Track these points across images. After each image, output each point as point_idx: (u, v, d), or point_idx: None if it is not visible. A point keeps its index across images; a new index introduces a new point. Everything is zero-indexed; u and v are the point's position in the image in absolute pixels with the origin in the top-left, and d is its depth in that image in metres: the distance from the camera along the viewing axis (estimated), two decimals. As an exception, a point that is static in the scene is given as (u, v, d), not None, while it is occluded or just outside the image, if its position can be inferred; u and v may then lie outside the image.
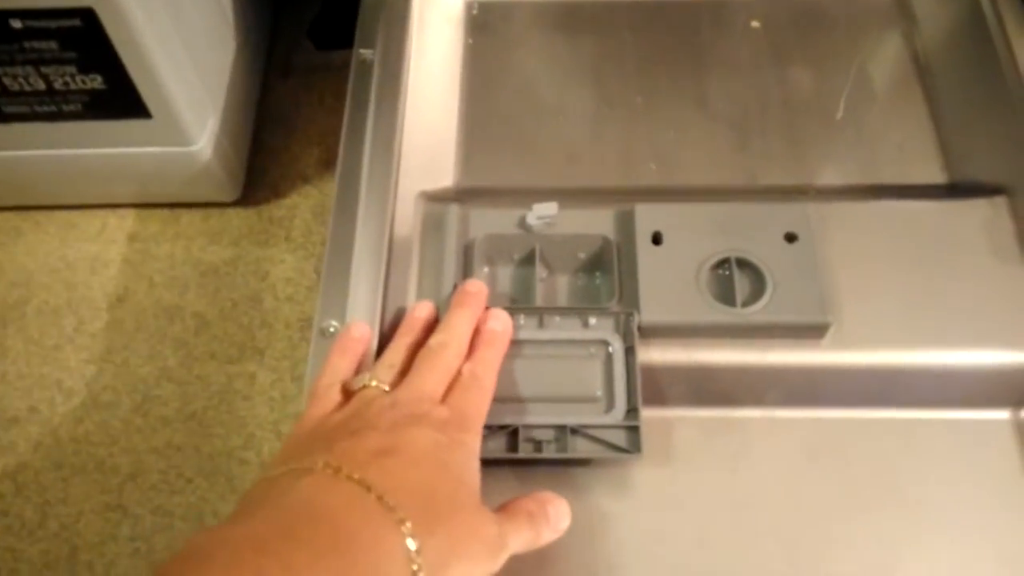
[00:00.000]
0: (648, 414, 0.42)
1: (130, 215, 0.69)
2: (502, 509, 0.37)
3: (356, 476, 0.32)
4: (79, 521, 0.56)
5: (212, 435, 0.59)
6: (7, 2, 0.51)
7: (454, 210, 0.47)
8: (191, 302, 0.65)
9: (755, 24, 0.57)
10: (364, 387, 0.39)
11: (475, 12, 0.59)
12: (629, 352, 0.43)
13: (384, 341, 0.44)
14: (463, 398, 0.39)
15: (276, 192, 0.70)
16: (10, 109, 0.58)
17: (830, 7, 0.58)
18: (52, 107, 0.59)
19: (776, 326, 0.43)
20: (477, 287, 0.43)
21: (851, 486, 0.43)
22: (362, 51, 0.55)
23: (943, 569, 0.40)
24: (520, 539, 0.36)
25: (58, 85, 0.57)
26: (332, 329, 0.45)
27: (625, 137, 0.54)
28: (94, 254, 0.67)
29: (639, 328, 0.43)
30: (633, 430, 0.41)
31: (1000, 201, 0.48)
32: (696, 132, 0.54)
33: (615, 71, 0.56)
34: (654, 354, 0.44)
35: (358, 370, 0.42)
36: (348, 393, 0.40)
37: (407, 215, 0.48)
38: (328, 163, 0.72)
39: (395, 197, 0.48)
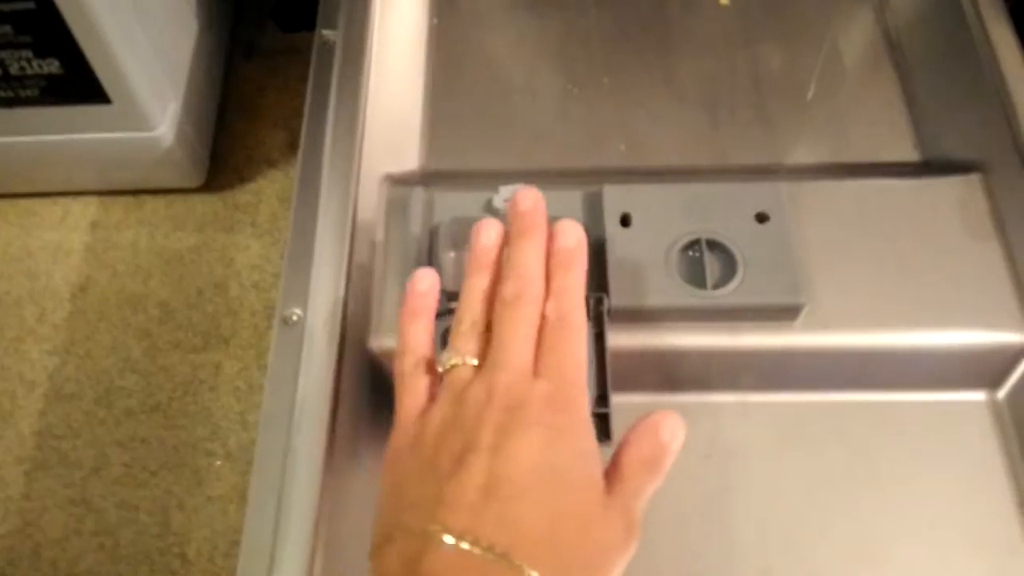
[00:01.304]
0: (619, 399, 0.40)
1: (93, 202, 0.66)
2: (615, 469, 0.33)
3: (473, 539, 0.29)
4: (42, 516, 0.54)
5: (177, 427, 0.56)
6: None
7: (418, 193, 0.45)
8: (155, 290, 0.62)
9: (724, 2, 0.55)
10: (454, 367, 0.35)
11: (438, -8, 0.56)
12: (599, 338, 0.40)
13: (350, 323, 0.41)
14: (556, 353, 0.34)
15: (241, 177, 0.67)
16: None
17: (799, -15, 0.56)
18: (8, 92, 0.56)
19: (748, 308, 0.41)
20: (531, 201, 0.37)
21: (827, 470, 0.41)
22: (324, 32, 0.52)
23: (920, 552, 0.39)
24: (645, 498, 0.32)
25: (14, 70, 0.54)
26: (295, 317, 0.42)
27: (593, 117, 0.51)
28: (56, 243, 0.64)
29: (608, 312, 0.41)
30: (603, 418, 0.39)
31: (974, 179, 0.46)
32: (665, 112, 0.51)
33: (582, 50, 0.54)
34: (624, 338, 0.41)
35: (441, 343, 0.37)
36: (436, 372, 0.36)
37: (371, 199, 0.46)
38: (294, 147, 0.68)
39: (358, 181, 0.45)
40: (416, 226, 0.44)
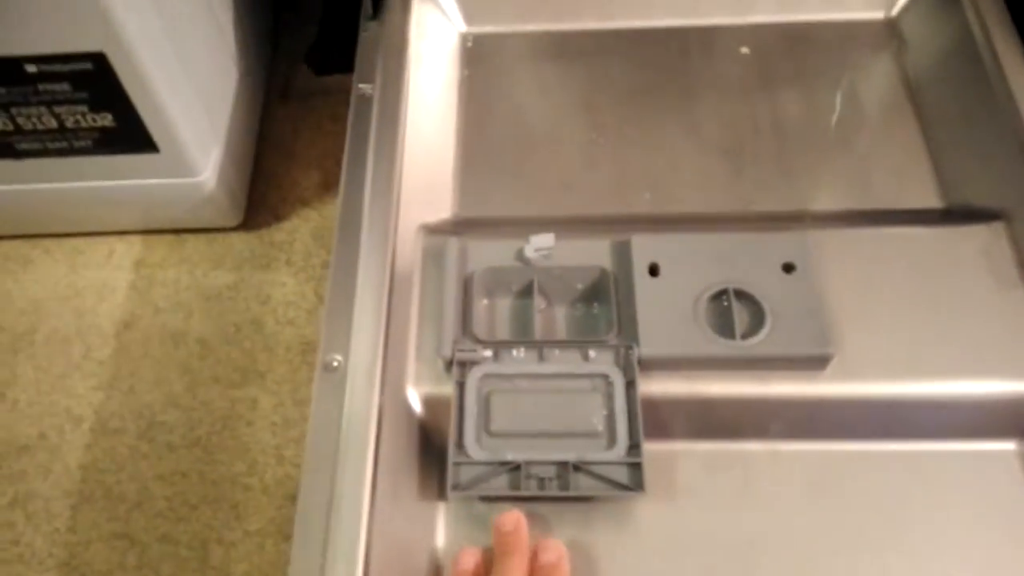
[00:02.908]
0: (650, 448, 0.39)
1: (136, 241, 0.66)
2: None
3: None
4: (88, 550, 0.53)
5: (216, 461, 0.56)
6: (23, 48, 0.48)
7: (453, 243, 0.44)
8: (195, 327, 0.62)
9: (744, 50, 0.54)
10: None
11: (470, 44, 0.56)
12: (630, 386, 0.40)
13: (389, 370, 0.41)
14: None
15: (277, 216, 0.67)
16: (23, 146, 0.56)
17: (818, 31, 0.55)
18: (64, 143, 0.56)
19: (777, 358, 0.40)
20: (513, 522, 0.38)
21: (857, 520, 0.40)
22: (361, 85, 0.52)
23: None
24: None
25: (70, 123, 0.54)
26: (336, 363, 0.42)
27: (618, 165, 0.50)
28: (102, 281, 0.64)
29: (639, 361, 0.40)
30: (635, 467, 0.38)
31: (998, 227, 0.45)
32: (689, 159, 0.51)
33: (606, 99, 0.53)
34: (655, 386, 0.41)
35: None
36: None
37: (407, 248, 0.45)
38: (327, 186, 0.69)
39: (396, 231, 0.45)
40: (452, 275, 0.43)
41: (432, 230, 0.47)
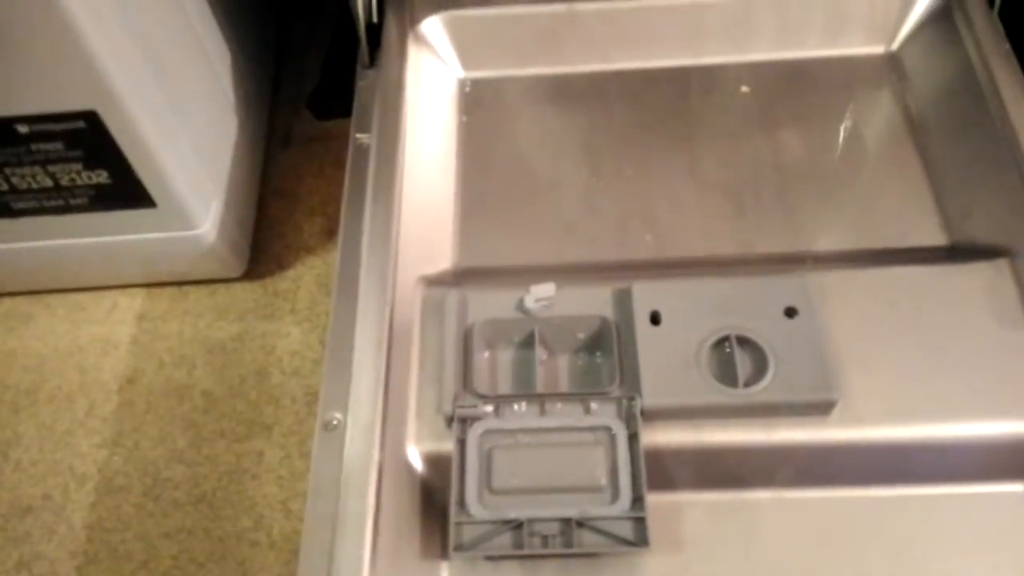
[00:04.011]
0: (655, 499, 0.40)
1: (139, 294, 0.68)
2: None
3: None
4: (94, 612, 0.55)
5: (222, 517, 0.58)
6: (13, 109, 0.51)
7: (452, 296, 0.46)
8: (199, 380, 0.63)
9: (745, 89, 0.56)
10: None
11: (468, 90, 0.58)
12: (633, 438, 0.41)
13: (389, 428, 0.42)
14: None
15: (280, 264, 0.69)
16: (19, 205, 0.58)
17: (819, 68, 0.57)
18: (60, 201, 0.58)
19: (781, 405, 0.41)
20: None
21: (865, 566, 0.40)
22: (359, 135, 0.54)
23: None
24: None
25: (65, 181, 0.56)
26: (335, 422, 0.43)
27: (619, 209, 0.52)
28: (104, 336, 0.66)
29: (641, 412, 0.41)
30: (640, 521, 0.39)
31: (1002, 264, 0.46)
32: (690, 201, 0.52)
33: (607, 142, 0.55)
34: (658, 436, 0.42)
35: None
36: None
37: (407, 302, 0.47)
38: (331, 233, 0.71)
39: (395, 285, 0.46)
40: (452, 328, 0.45)
41: (431, 282, 0.48)
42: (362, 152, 0.53)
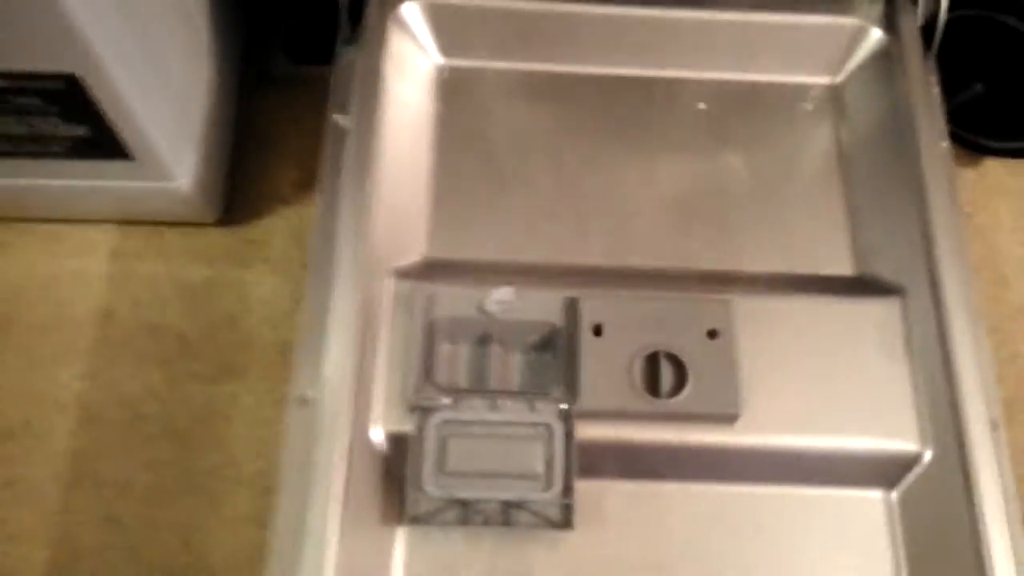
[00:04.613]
0: (583, 484, 0.49)
1: (113, 231, 0.72)
2: None
3: None
4: (78, 530, 0.62)
5: (195, 453, 0.65)
6: (-11, 64, 0.53)
7: (420, 293, 0.53)
8: (173, 321, 0.69)
9: (702, 106, 0.62)
10: None
11: (445, 76, 0.63)
12: (568, 436, 0.49)
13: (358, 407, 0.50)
14: None
15: (254, 212, 0.74)
16: (-2, 138, 0.61)
17: (771, 93, 0.63)
18: (36, 147, 0.61)
19: (694, 415, 0.50)
20: None
21: (749, 550, 0.51)
22: (336, 117, 0.58)
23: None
24: None
25: (42, 131, 0.59)
26: (308, 397, 0.51)
27: (578, 213, 0.59)
28: (80, 269, 0.71)
29: (578, 412, 0.50)
30: (567, 507, 0.48)
31: (894, 302, 0.54)
32: (642, 213, 0.59)
33: (572, 145, 0.61)
34: (590, 432, 0.50)
35: None
36: None
37: (378, 292, 0.53)
38: (305, 185, 0.76)
39: (368, 274, 0.53)
40: (418, 323, 0.52)
41: (402, 274, 0.55)
42: (339, 135, 0.58)
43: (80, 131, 0.59)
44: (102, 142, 0.60)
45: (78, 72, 0.54)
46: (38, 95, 0.56)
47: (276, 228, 0.73)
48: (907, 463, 0.51)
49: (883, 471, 0.52)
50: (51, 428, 0.65)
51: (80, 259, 0.71)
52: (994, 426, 0.51)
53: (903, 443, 0.51)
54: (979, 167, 0.81)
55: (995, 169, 0.81)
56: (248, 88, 0.78)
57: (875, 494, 0.52)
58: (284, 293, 0.71)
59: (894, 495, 0.52)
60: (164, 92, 0.61)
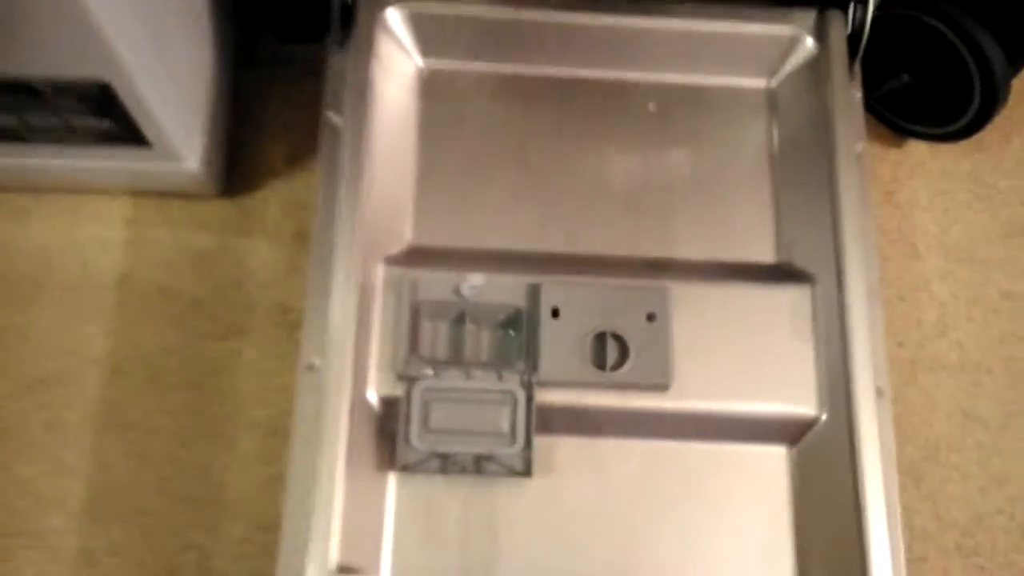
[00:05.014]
0: (540, 440, 0.60)
1: (126, 201, 0.81)
2: None
3: None
4: (112, 467, 0.73)
5: (210, 401, 0.75)
6: (37, 71, 0.60)
7: (406, 279, 0.62)
8: (184, 284, 0.78)
9: (652, 107, 0.71)
10: None
11: (426, 77, 0.71)
12: (529, 401, 0.60)
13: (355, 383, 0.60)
14: None
15: (249, 184, 0.82)
16: (30, 136, 0.68)
17: (713, 95, 0.72)
18: (67, 135, 0.69)
19: (633, 384, 0.61)
20: None
21: (676, 494, 0.62)
22: (331, 115, 0.66)
23: (723, 558, 0.61)
24: None
25: (74, 124, 0.67)
26: (314, 365, 0.61)
27: (542, 205, 0.68)
28: (100, 236, 0.79)
29: (537, 381, 0.60)
30: (527, 459, 0.59)
31: (805, 289, 0.65)
32: (596, 204, 0.68)
33: (538, 141, 0.70)
34: (547, 397, 0.61)
35: None
36: None
37: (371, 277, 0.63)
38: (293, 160, 0.84)
39: (363, 261, 0.62)
40: (404, 305, 0.62)
41: (391, 261, 0.64)
42: (333, 132, 0.66)
43: (106, 124, 0.67)
44: (124, 133, 0.68)
45: (109, 79, 0.61)
46: (74, 96, 0.63)
47: (270, 200, 0.82)
48: (807, 424, 0.63)
49: (787, 430, 0.63)
50: (83, 378, 0.75)
51: (99, 227, 0.80)
52: (880, 394, 0.62)
53: (804, 408, 0.62)
54: (903, 148, 0.91)
55: (917, 149, 0.91)
56: (238, 68, 0.84)
57: (780, 449, 0.64)
58: (280, 259, 0.80)
59: (795, 450, 0.63)
60: (177, 86, 0.69)
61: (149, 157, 0.72)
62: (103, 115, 0.65)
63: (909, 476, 0.76)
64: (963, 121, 0.83)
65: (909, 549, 0.61)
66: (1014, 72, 0.79)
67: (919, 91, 0.84)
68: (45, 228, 0.79)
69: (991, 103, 0.79)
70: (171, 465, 0.73)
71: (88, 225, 0.80)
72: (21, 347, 0.76)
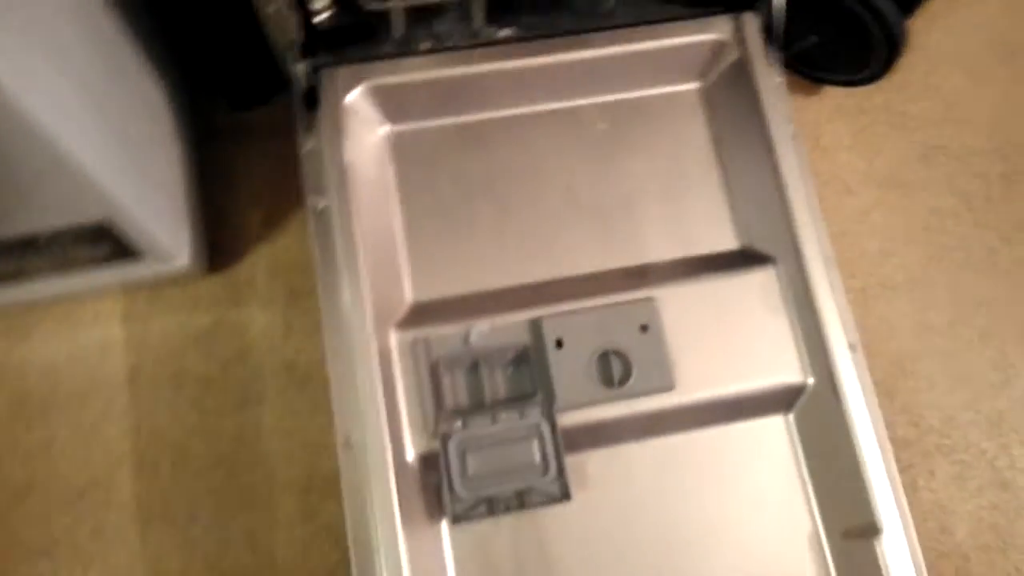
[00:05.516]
0: (568, 459, 0.65)
1: (118, 297, 0.81)
2: None
3: None
4: (160, 561, 0.75)
5: (241, 472, 0.77)
6: (38, 226, 0.60)
7: (420, 342, 0.65)
8: (193, 366, 0.80)
9: (602, 126, 0.73)
10: None
11: (393, 140, 0.72)
12: (553, 431, 0.64)
13: (392, 438, 0.63)
14: None
15: (234, 255, 0.83)
16: (28, 274, 0.68)
17: (654, 102, 0.75)
18: (64, 266, 0.69)
19: (640, 393, 0.65)
20: None
21: (695, 479, 0.68)
22: (314, 198, 0.68)
23: (750, 523, 0.67)
24: None
25: (70, 256, 0.67)
26: (351, 440, 0.63)
27: (521, 239, 0.71)
28: (100, 338, 0.80)
29: (556, 408, 0.64)
30: (563, 484, 0.63)
31: (771, 270, 0.70)
32: (570, 226, 0.71)
33: (506, 179, 0.72)
34: (566, 420, 0.65)
35: None
36: None
37: (386, 345, 0.65)
38: (271, 222, 0.85)
39: (375, 333, 0.64)
40: (423, 366, 0.65)
41: (401, 325, 0.67)
42: (322, 216, 0.67)
43: (102, 250, 0.67)
44: (119, 252, 0.68)
45: (107, 217, 0.62)
46: (71, 236, 0.64)
47: (257, 265, 0.83)
48: (797, 391, 0.68)
49: (781, 400, 0.68)
50: (114, 479, 0.76)
51: (97, 329, 0.80)
52: (852, 348, 0.68)
53: (792, 377, 0.68)
54: (820, 94, 0.96)
55: (834, 93, 0.96)
56: (200, 142, 0.84)
57: (777, 419, 0.69)
58: (277, 321, 0.81)
59: (791, 416, 0.69)
60: (160, 195, 0.69)
61: (142, 265, 0.73)
62: (99, 243, 0.66)
63: (882, 392, 0.82)
64: (872, 68, 0.88)
65: (896, 460, 0.67)
66: (908, 15, 0.83)
67: (828, 47, 0.88)
68: (46, 342, 0.79)
69: (893, 50, 0.84)
70: (218, 544, 0.76)
71: (87, 330, 0.80)
72: (48, 462, 0.77)
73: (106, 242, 0.65)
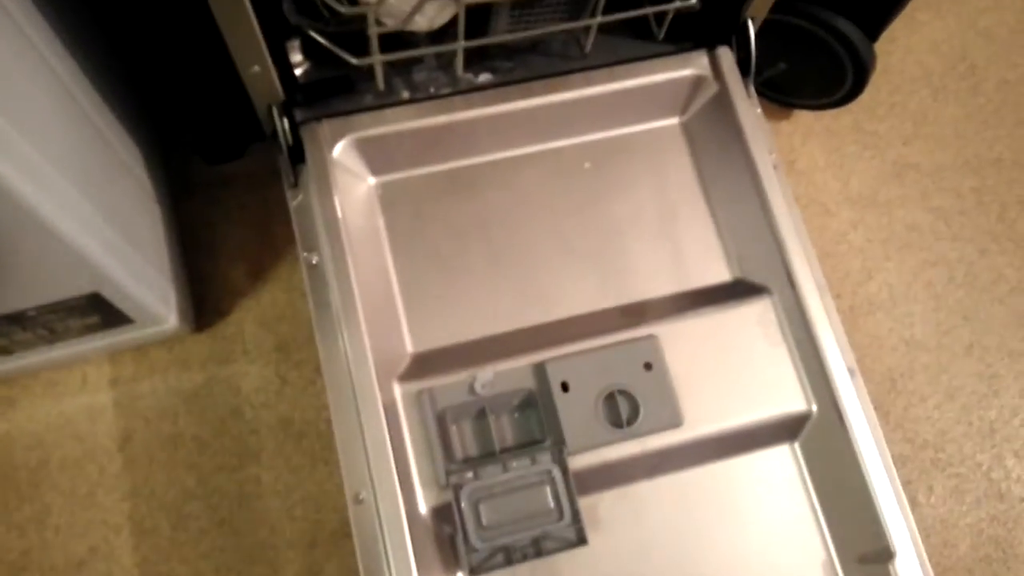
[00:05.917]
0: (582, 501, 0.63)
1: (104, 362, 0.78)
2: None
3: None
4: (169, 624, 0.72)
5: (243, 533, 0.74)
6: (28, 303, 0.58)
7: (425, 395, 0.63)
8: (186, 427, 0.77)
9: (587, 165, 0.72)
10: None
11: (380, 192, 0.70)
12: (565, 475, 0.62)
13: (404, 493, 0.60)
14: None
15: (220, 312, 0.80)
16: (16, 348, 0.65)
17: (636, 139, 0.74)
18: (55, 339, 0.66)
19: (648, 431, 0.64)
20: None
21: (707, 512, 0.66)
22: (307, 254, 0.65)
23: (764, 552, 0.66)
24: None
25: (59, 328, 0.64)
26: (363, 497, 0.61)
27: (516, 284, 0.69)
28: (88, 405, 0.76)
29: (567, 452, 0.63)
30: (579, 528, 0.62)
31: (767, 300, 0.69)
32: (563, 268, 0.70)
33: (496, 223, 0.71)
34: (577, 463, 0.64)
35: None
36: None
37: (391, 400, 0.63)
38: (255, 275, 0.82)
39: (378, 388, 0.62)
40: (429, 418, 0.63)
41: (403, 378, 0.64)
42: (314, 271, 0.65)
43: (92, 320, 0.64)
44: (109, 321, 0.66)
45: (98, 288, 0.59)
46: (64, 309, 0.61)
47: (244, 321, 0.80)
48: (801, 419, 0.67)
49: (786, 429, 0.68)
50: (113, 548, 0.73)
51: (84, 395, 0.77)
52: (851, 373, 0.67)
53: (795, 405, 0.67)
54: (791, 118, 0.96)
55: (804, 116, 0.96)
56: (177, 200, 0.82)
57: (784, 448, 0.68)
58: (268, 375, 0.79)
59: (797, 445, 0.68)
60: (146, 261, 0.67)
61: (131, 330, 0.70)
62: (89, 315, 0.63)
63: (877, 411, 0.83)
64: (842, 91, 0.89)
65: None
66: (874, 40, 0.84)
67: (798, 73, 0.88)
68: (32, 413, 0.76)
69: (862, 73, 0.85)
70: (228, 606, 0.73)
71: (74, 397, 0.77)
72: (43, 536, 0.73)
73: (95, 312, 0.63)
